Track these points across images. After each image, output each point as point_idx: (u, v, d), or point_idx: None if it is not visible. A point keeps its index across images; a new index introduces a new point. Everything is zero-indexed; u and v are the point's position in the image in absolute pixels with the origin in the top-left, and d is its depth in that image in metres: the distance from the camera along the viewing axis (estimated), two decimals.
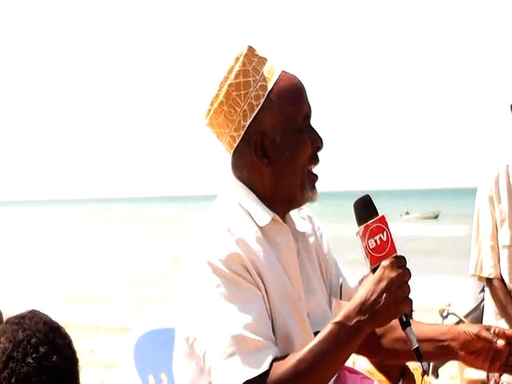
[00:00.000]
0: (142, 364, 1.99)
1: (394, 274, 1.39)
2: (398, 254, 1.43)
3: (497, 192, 2.74)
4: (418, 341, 1.45)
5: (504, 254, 2.73)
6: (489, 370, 1.64)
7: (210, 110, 1.61)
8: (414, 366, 2.88)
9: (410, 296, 1.45)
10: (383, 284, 1.39)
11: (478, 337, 1.60)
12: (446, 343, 1.64)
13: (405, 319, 1.44)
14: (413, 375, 2.67)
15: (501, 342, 1.58)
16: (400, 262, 1.42)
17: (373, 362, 2.63)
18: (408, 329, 1.44)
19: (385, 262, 1.41)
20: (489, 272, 2.77)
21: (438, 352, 1.66)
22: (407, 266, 1.43)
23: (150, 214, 57.09)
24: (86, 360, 6.52)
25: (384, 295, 1.39)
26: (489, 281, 2.79)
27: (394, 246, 1.43)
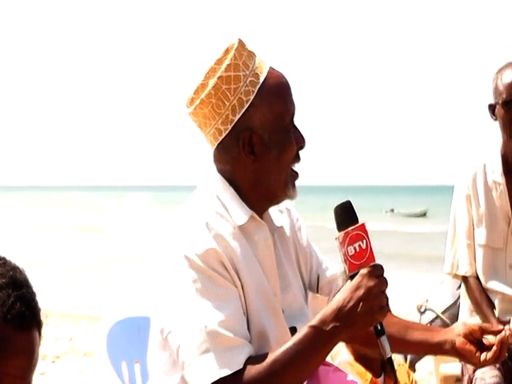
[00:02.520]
0: (114, 352, 1.98)
1: (371, 283, 1.41)
2: (376, 262, 1.44)
3: (474, 191, 2.75)
4: (391, 351, 1.47)
5: (480, 252, 2.75)
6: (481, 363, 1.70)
7: (194, 99, 1.59)
8: (398, 363, 2.89)
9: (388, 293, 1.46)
10: (360, 292, 1.41)
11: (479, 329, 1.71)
12: (444, 331, 1.75)
13: (379, 328, 1.45)
14: (395, 370, 2.69)
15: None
16: (378, 271, 1.43)
17: (353, 354, 2.65)
18: (382, 338, 1.46)
19: (363, 270, 1.43)
20: (465, 270, 2.78)
21: (432, 338, 1.74)
22: (384, 275, 1.44)
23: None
24: (66, 348, 6.50)
25: (361, 304, 1.41)
26: (464, 279, 2.80)
27: (373, 255, 1.45)
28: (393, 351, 1.52)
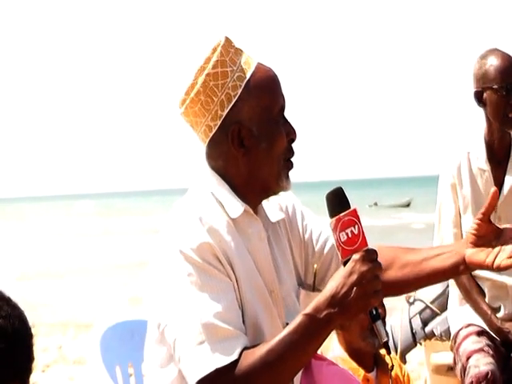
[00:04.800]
0: (108, 356, 1.98)
1: (364, 268, 1.40)
2: (370, 247, 1.44)
3: (459, 179, 2.75)
4: (387, 335, 1.46)
5: None
6: (492, 264, 1.58)
7: (185, 100, 1.61)
8: (392, 354, 2.90)
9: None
10: (354, 277, 1.41)
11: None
12: (454, 250, 1.65)
13: (375, 312, 1.45)
14: (387, 364, 2.69)
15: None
16: (371, 256, 1.43)
17: (346, 350, 2.65)
18: (378, 322, 1.45)
19: (356, 256, 1.42)
20: None
21: (446, 263, 1.64)
22: (378, 259, 1.44)
23: (119, 208, 56.55)
24: (55, 356, 6.46)
25: (354, 289, 1.40)
26: None
27: (366, 240, 1.44)
28: (412, 290, 1.51)
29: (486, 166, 2.73)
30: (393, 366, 2.65)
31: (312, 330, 1.43)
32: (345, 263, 1.44)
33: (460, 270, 1.63)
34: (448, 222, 2.80)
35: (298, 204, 1.79)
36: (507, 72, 2.62)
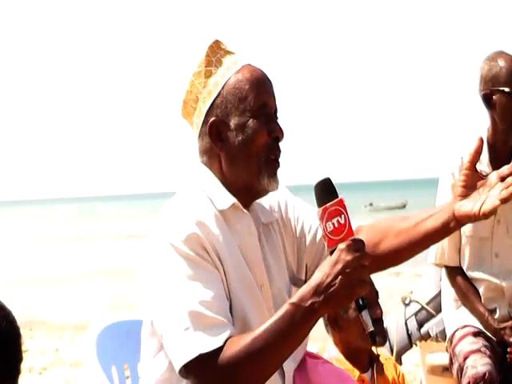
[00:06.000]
0: (104, 357, 1.98)
1: (349, 257, 1.40)
2: (356, 237, 1.44)
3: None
4: (373, 325, 1.46)
5: (466, 243, 2.77)
6: (479, 211, 1.54)
7: (181, 102, 1.68)
8: (385, 356, 2.91)
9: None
10: (339, 267, 1.41)
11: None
12: (443, 208, 1.62)
13: (361, 302, 1.45)
14: (382, 364, 2.70)
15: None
16: (357, 246, 1.43)
17: (341, 351, 2.66)
18: (364, 312, 1.45)
19: (341, 245, 1.42)
20: (449, 260, 2.81)
21: (437, 222, 1.61)
22: (364, 249, 1.43)
23: (101, 213, 56.15)
24: (52, 359, 6.46)
25: (339, 278, 1.40)
26: (449, 269, 2.83)
27: (352, 229, 1.44)
28: (410, 256, 1.54)
29: (488, 169, 2.70)
30: (379, 355, 2.66)
31: (297, 319, 1.43)
32: (331, 253, 1.44)
33: (451, 227, 1.60)
34: None
35: (290, 198, 1.79)
36: None
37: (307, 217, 1.77)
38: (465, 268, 2.80)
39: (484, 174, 2.66)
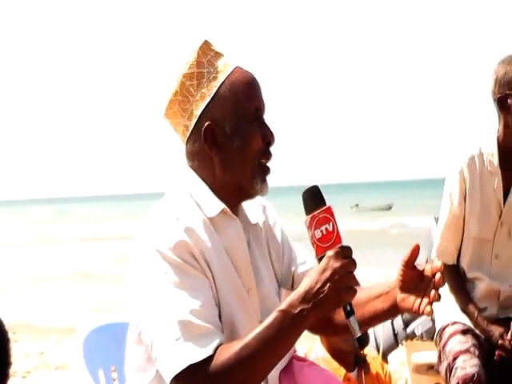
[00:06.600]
0: (91, 359, 1.98)
1: (337, 264, 1.42)
2: (344, 244, 1.46)
3: (469, 182, 2.76)
4: (361, 330, 1.48)
5: (469, 243, 2.81)
6: (419, 306, 1.57)
7: (166, 102, 1.65)
8: (372, 355, 2.93)
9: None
10: (327, 274, 1.43)
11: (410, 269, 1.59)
12: (389, 292, 1.64)
13: (349, 308, 1.47)
14: (368, 363, 2.72)
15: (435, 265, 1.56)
16: (345, 253, 1.45)
17: (328, 350, 2.68)
18: (351, 318, 1.47)
19: (330, 252, 1.44)
20: (447, 258, 2.85)
21: (384, 305, 1.65)
22: (352, 256, 1.46)
23: (76, 214, 55.64)
24: (36, 362, 6.41)
25: (328, 285, 1.42)
26: (446, 266, 2.84)
27: (340, 237, 1.46)
28: (366, 328, 1.51)
29: (498, 171, 2.76)
30: (366, 358, 2.69)
31: (286, 326, 1.44)
32: (319, 260, 1.46)
33: (396, 313, 1.67)
34: (450, 223, 2.83)
35: (280, 223, 1.81)
36: None
37: (290, 246, 1.80)
38: (465, 267, 2.84)
39: (494, 174, 2.71)
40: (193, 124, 1.62)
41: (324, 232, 1.45)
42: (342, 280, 1.42)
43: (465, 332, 2.72)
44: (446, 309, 2.87)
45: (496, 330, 2.71)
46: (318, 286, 1.43)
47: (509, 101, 2.67)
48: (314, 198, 1.48)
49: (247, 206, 1.72)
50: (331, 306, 1.45)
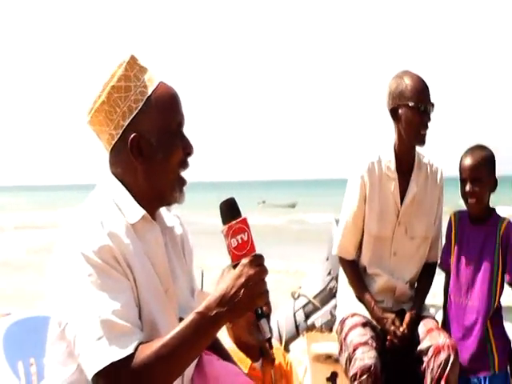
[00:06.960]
0: (11, 352, 2.03)
1: (252, 272, 1.56)
2: (257, 252, 1.60)
3: (368, 184, 2.98)
4: (271, 331, 1.64)
5: (369, 241, 3.03)
6: None
7: (91, 109, 1.73)
8: (275, 346, 3.09)
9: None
10: (242, 280, 1.55)
11: None
12: None
13: (260, 311, 1.61)
14: (271, 354, 2.88)
15: None
16: (258, 261, 1.57)
17: (235, 342, 2.81)
18: (262, 320, 1.61)
19: (244, 260, 1.57)
20: (346, 253, 3.08)
21: None
22: (264, 264, 1.60)
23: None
24: None
25: (242, 290, 1.54)
26: (345, 261, 3.09)
27: (254, 246, 1.60)
28: None
29: (395, 176, 3.00)
30: (274, 359, 2.86)
31: (203, 327, 1.55)
32: (235, 266, 1.60)
33: None
34: (351, 221, 3.04)
35: (187, 229, 1.94)
36: (423, 93, 2.88)
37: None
38: (365, 264, 3.06)
39: (392, 178, 2.95)
40: (119, 134, 1.70)
41: (240, 241, 1.58)
42: (255, 286, 1.55)
43: (364, 325, 2.93)
44: (346, 301, 3.10)
45: (389, 318, 2.94)
46: (233, 291, 1.54)
47: (399, 111, 2.92)
48: (230, 209, 1.62)
49: (162, 210, 1.84)
50: (245, 310, 1.57)
